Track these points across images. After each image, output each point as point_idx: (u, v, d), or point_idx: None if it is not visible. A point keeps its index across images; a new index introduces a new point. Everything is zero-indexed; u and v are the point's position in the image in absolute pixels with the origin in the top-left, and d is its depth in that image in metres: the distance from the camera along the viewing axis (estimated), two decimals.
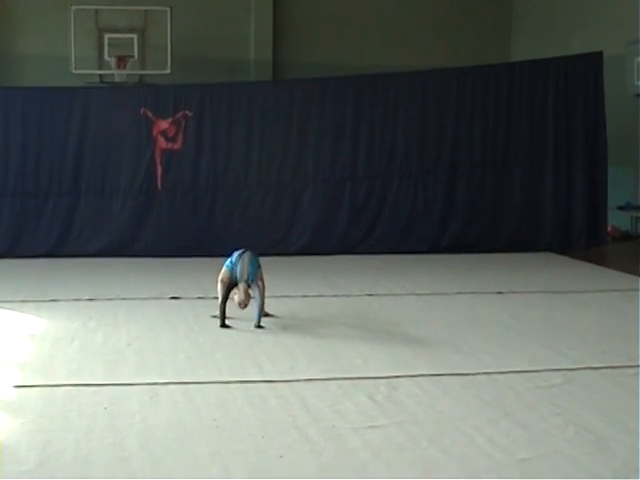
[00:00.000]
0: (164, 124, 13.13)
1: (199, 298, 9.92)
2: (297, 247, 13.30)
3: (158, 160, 13.18)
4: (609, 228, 14.33)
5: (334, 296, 10.16)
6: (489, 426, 5.74)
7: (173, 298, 9.94)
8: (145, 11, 17.10)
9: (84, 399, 6.26)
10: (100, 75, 16.96)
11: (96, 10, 16.92)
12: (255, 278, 8.45)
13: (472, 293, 10.37)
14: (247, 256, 8.53)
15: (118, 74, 16.69)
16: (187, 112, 13.22)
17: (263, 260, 8.76)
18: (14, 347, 7.74)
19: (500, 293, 10.36)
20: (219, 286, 8.55)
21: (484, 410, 6.08)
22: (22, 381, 6.70)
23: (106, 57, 16.71)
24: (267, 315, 8.71)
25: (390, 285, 10.82)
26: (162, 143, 13.14)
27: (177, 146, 13.20)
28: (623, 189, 14.86)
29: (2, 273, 11.59)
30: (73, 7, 16.48)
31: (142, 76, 17.05)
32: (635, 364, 7.12)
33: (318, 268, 12.09)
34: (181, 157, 13.25)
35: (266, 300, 8.54)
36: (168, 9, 16.68)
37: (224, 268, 8.57)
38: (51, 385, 6.60)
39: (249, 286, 8.40)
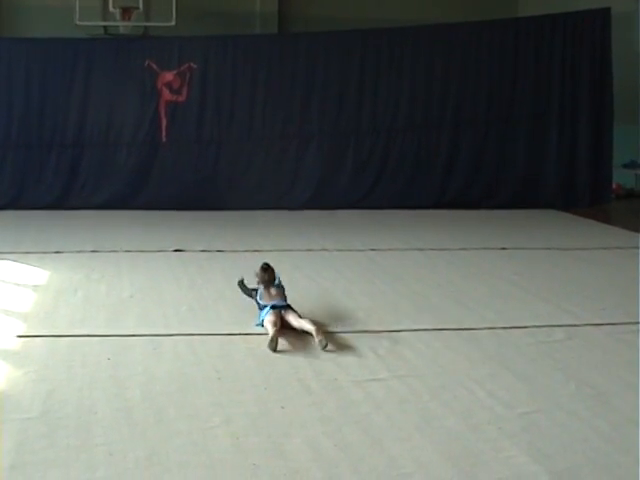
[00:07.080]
0: (169, 76, 13.08)
1: (202, 251, 9.95)
2: (301, 201, 13.26)
3: (163, 112, 13.14)
4: (614, 186, 14.29)
5: (338, 250, 10.17)
6: (490, 380, 5.77)
7: (176, 251, 9.96)
8: None
9: (87, 349, 6.30)
10: (104, 27, 16.80)
11: None
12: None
13: (475, 249, 10.36)
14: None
15: (123, 26, 16.54)
16: (192, 64, 13.17)
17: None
18: (18, 298, 7.77)
19: (503, 249, 10.36)
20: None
21: (486, 364, 6.10)
22: (26, 331, 6.74)
23: (111, 8, 16.53)
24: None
25: (393, 240, 10.82)
26: (167, 95, 13.10)
27: (182, 98, 13.16)
28: (629, 147, 14.78)
29: (6, 225, 11.61)
30: None
31: (147, 28, 16.90)
32: (635, 321, 7.13)
33: (321, 222, 12.09)
34: (186, 109, 13.21)
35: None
36: None
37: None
38: (54, 335, 6.63)
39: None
